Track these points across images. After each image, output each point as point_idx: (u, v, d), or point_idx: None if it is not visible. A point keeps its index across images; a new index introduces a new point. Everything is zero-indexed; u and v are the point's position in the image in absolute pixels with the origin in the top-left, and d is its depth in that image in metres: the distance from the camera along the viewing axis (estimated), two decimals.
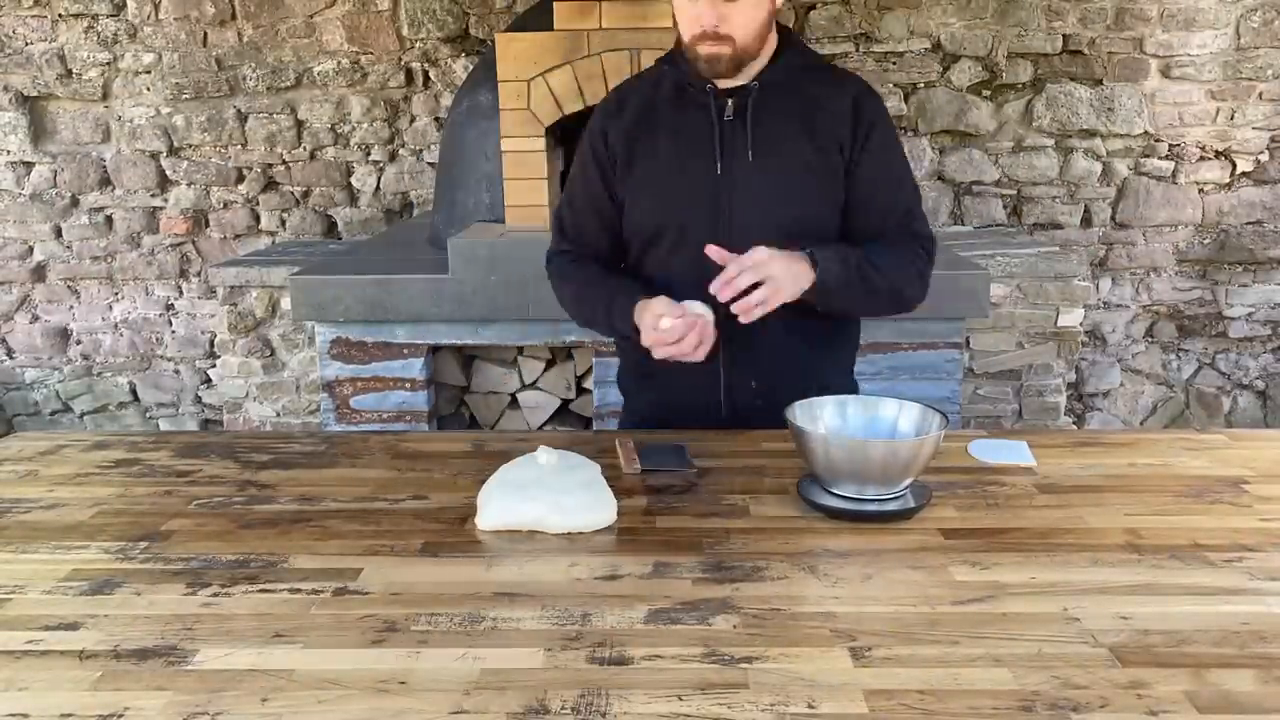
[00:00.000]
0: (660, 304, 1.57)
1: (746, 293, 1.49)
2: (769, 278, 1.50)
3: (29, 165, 4.20)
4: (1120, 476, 1.50)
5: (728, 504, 1.40)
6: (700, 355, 1.55)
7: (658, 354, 1.56)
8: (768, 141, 1.66)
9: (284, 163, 4.19)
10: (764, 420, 1.65)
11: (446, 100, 4.05)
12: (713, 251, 1.53)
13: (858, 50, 4.01)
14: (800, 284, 1.55)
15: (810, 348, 1.75)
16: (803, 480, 1.42)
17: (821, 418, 1.45)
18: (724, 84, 1.66)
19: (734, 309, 1.49)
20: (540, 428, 3.23)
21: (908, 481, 1.36)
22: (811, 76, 1.71)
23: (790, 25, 3.95)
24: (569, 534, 1.29)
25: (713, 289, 1.49)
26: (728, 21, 1.56)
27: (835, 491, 1.36)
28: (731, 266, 1.49)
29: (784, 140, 1.67)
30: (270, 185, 4.22)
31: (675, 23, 1.65)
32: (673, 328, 1.53)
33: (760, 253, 1.51)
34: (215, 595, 1.15)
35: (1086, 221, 4.17)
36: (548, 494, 1.32)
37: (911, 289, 1.74)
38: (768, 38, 1.65)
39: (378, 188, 4.21)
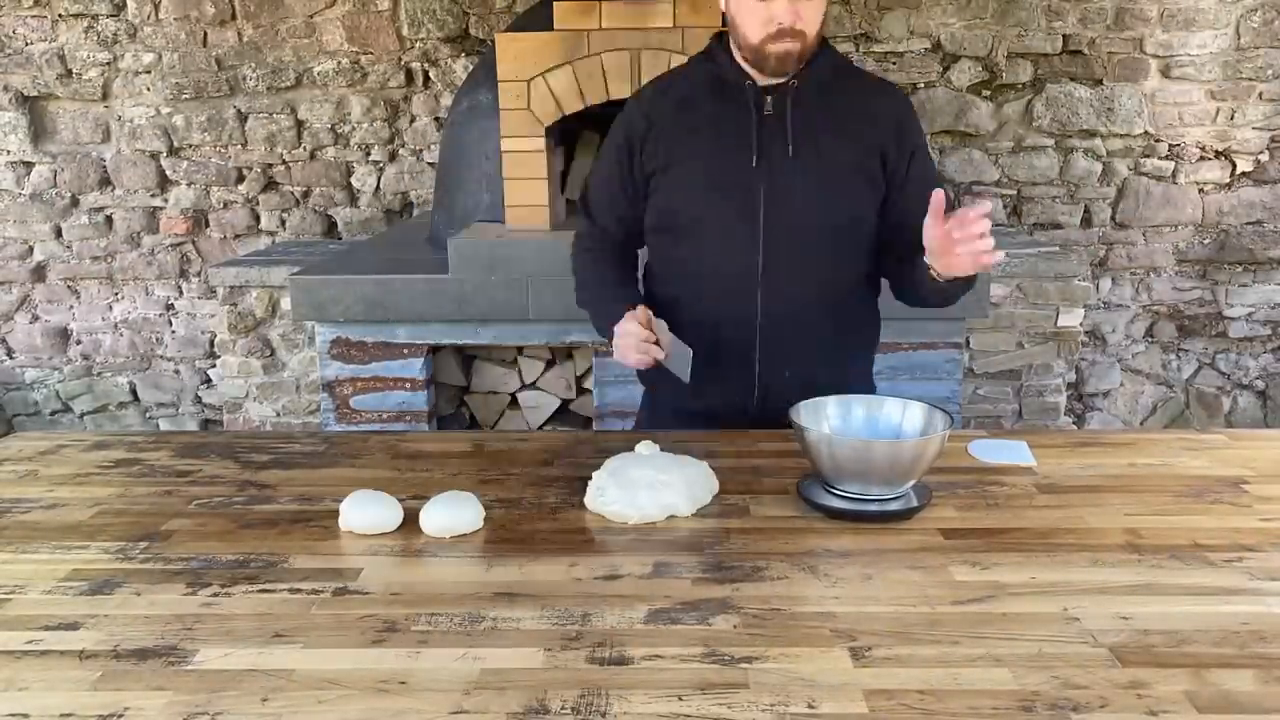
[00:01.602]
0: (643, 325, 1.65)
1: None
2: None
3: (29, 165, 4.20)
4: (1120, 476, 1.50)
5: (728, 504, 1.40)
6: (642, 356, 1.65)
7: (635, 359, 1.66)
8: (807, 138, 1.67)
9: (284, 163, 4.19)
10: (789, 406, 1.68)
11: (446, 100, 4.05)
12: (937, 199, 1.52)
13: (858, 50, 4.01)
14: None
15: (841, 337, 1.79)
16: (803, 480, 1.42)
17: (825, 417, 1.45)
18: (763, 80, 1.67)
19: (975, 256, 1.50)
20: (540, 428, 3.23)
21: (911, 482, 1.36)
22: (846, 79, 1.75)
23: None
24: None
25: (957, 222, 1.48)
26: (801, 18, 1.59)
27: (837, 491, 1.36)
28: (974, 214, 1.49)
29: (823, 138, 1.69)
30: (270, 185, 4.22)
31: (732, 22, 1.66)
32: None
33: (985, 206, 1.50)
34: (215, 595, 1.15)
35: (1086, 221, 4.17)
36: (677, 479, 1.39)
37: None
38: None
39: (378, 188, 4.21)
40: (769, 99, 1.68)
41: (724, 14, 1.68)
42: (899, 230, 1.71)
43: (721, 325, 1.74)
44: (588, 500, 1.39)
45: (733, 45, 1.69)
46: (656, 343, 1.64)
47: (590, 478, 1.41)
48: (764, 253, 1.69)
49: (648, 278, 1.88)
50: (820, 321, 1.75)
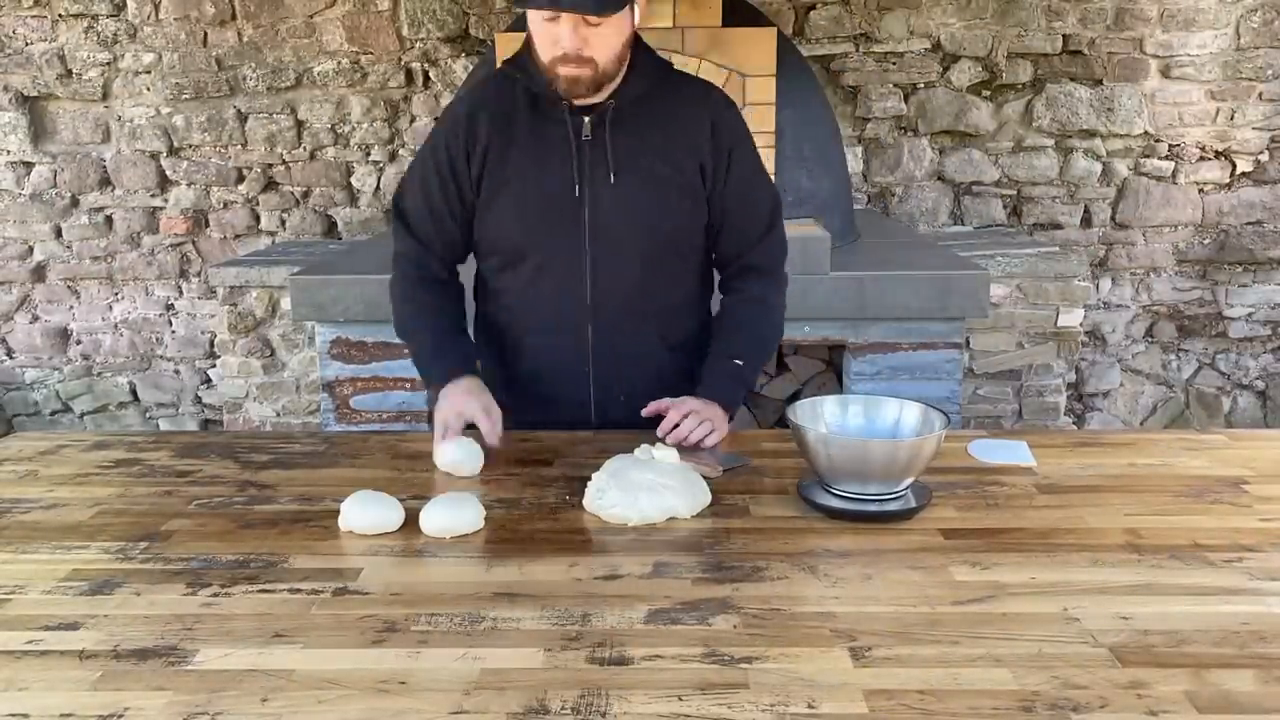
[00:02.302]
0: (453, 416, 1.59)
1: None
2: (711, 421, 1.59)
3: (29, 165, 4.20)
4: (1120, 476, 1.50)
5: (728, 504, 1.40)
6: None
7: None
8: (628, 160, 1.63)
9: (284, 163, 4.19)
10: (629, 424, 1.70)
11: (446, 100, 4.05)
12: (650, 410, 1.63)
13: (858, 50, 4.01)
14: (726, 415, 1.66)
15: (673, 353, 1.78)
16: (803, 480, 1.42)
17: (823, 417, 1.45)
18: (579, 100, 1.60)
19: (683, 445, 1.56)
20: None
21: (909, 481, 1.36)
22: (666, 89, 1.67)
23: (790, 25, 3.95)
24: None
25: (661, 434, 1.57)
26: (589, 45, 1.51)
27: (836, 491, 1.36)
28: (673, 414, 1.59)
29: (643, 158, 1.64)
30: (270, 185, 4.22)
31: (529, 36, 1.58)
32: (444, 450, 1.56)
33: (692, 402, 1.61)
34: (215, 595, 1.15)
35: (1086, 221, 4.17)
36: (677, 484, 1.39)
37: (777, 332, 1.83)
38: (626, 57, 1.60)
39: (378, 188, 4.21)
40: (587, 121, 1.61)
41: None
42: (720, 235, 1.73)
43: (553, 351, 1.73)
44: (586, 501, 1.38)
45: None
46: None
47: (590, 478, 1.41)
48: (591, 282, 1.67)
49: (478, 300, 1.83)
50: (653, 342, 1.75)
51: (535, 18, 1.52)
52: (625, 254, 1.67)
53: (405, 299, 1.76)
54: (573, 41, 1.50)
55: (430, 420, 1.63)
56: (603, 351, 1.72)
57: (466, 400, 1.60)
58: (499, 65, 1.71)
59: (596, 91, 1.59)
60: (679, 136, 1.65)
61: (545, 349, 1.74)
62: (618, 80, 1.62)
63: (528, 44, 1.60)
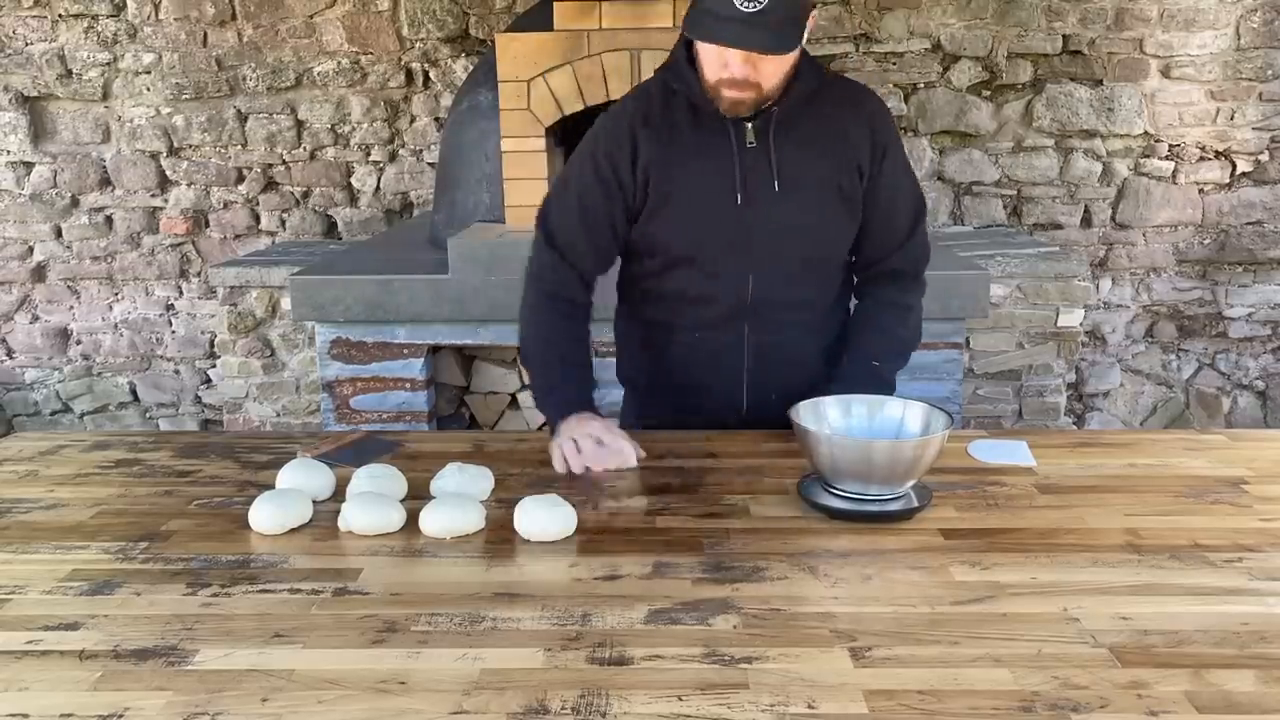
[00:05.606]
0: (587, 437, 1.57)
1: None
2: None
3: (29, 165, 4.20)
4: (1120, 476, 1.50)
5: (728, 504, 1.40)
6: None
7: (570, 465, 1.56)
8: (791, 170, 1.62)
9: (284, 163, 4.19)
10: (780, 424, 1.68)
11: (446, 100, 4.05)
12: None
13: (858, 50, 4.01)
14: None
15: (821, 356, 1.79)
16: (803, 480, 1.42)
17: (826, 417, 1.45)
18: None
19: None
20: (540, 428, 3.22)
21: (911, 482, 1.36)
22: (826, 94, 1.65)
23: None
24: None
25: None
26: (757, 71, 1.50)
27: (836, 491, 1.36)
28: None
29: (807, 167, 1.63)
30: (270, 185, 4.22)
31: (697, 55, 1.55)
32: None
33: None
34: (215, 595, 1.15)
35: (1086, 221, 4.17)
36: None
37: (915, 336, 1.85)
38: (790, 76, 1.58)
39: (378, 188, 4.21)
40: (750, 127, 1.60)
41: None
42: (864, 235, 1.73)
43: (709, 351, 1.74)
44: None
45: None
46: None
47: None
48: (752, 285, 1.68)
49: (628, 297, 1.81)
50: (807, 343, 1.76)
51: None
52: (786, 258, 1.67)
53: (536, 320, 1.73)
54: (742, 70, 1.49)
55: (550, 428, 1.65)
56: (759, 352, 1.72)
57: (590, 423, 1.59)
58: (655, 71, 1.69)
59: (756, 110, 1.58)
60: (840, 140, 1.65)
61: (701, 347, 1.73)
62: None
63: (687, 53, 1.59)
